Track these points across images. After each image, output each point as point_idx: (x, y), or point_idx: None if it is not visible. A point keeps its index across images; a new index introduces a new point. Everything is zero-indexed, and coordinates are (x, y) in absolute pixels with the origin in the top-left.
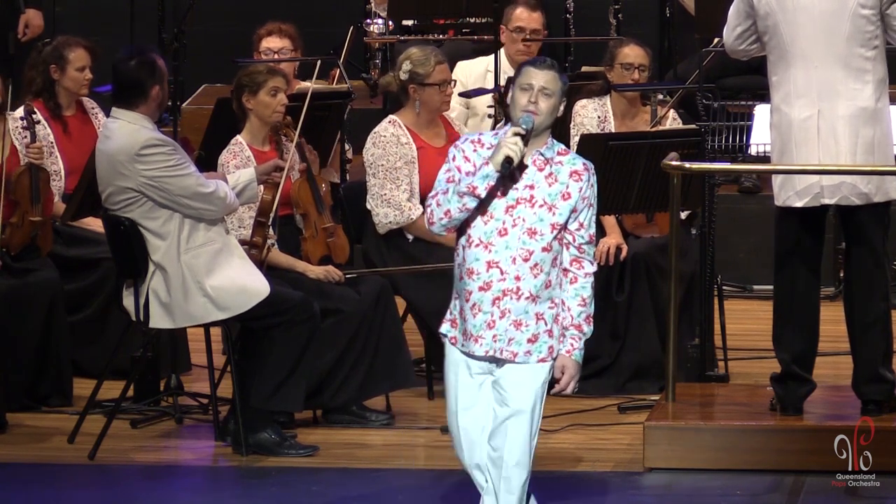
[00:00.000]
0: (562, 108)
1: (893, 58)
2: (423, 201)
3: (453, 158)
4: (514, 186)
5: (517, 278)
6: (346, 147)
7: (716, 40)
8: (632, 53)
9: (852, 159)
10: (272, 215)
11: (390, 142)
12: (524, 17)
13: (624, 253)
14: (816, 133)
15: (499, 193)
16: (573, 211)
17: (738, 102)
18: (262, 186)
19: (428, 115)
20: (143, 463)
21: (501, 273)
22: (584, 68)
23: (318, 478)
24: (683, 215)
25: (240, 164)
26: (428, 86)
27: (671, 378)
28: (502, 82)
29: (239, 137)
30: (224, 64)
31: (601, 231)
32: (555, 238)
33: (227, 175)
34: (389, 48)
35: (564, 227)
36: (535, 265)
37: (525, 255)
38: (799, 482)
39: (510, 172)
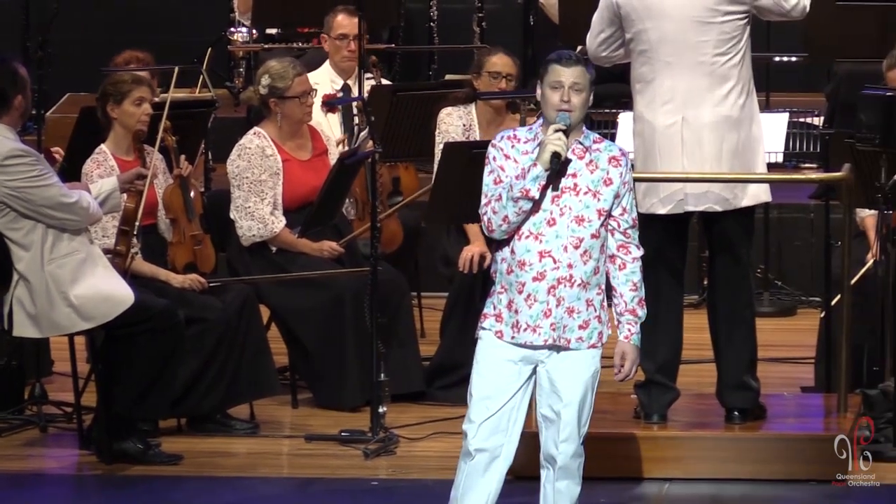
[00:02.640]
0: (591, 98)
1: (758, 64)
2: (286, 213)
3: (493, 159)
4: (561, 179)
5: (570, 266)
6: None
7: (579, 48)
8: (500, 62)
9: (717, 166)
10: (136, 224)
11: (255, 154)
12: (346, 24)
13: (487, 260)
14: (680, 140)
15: (549, 189)
16: (616, 196)
17: (602, 110)
18: (125, 195)
19: (290, 128)
20: (6, 471)
21: (554, 262)
22: (448, 76)
23: (182, 486)
24: None
25: (104, 173)
26: (288, 98)
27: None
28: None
29: (103, 146)
30: (89, 73)
31: (465, 239)
32: (602, 224)
33: (91, 184)
34: (254, 57)
35: (609, 213)
36: (585, 252)
37: (575, 242)
38: (661, 489)
39: (559, 168)
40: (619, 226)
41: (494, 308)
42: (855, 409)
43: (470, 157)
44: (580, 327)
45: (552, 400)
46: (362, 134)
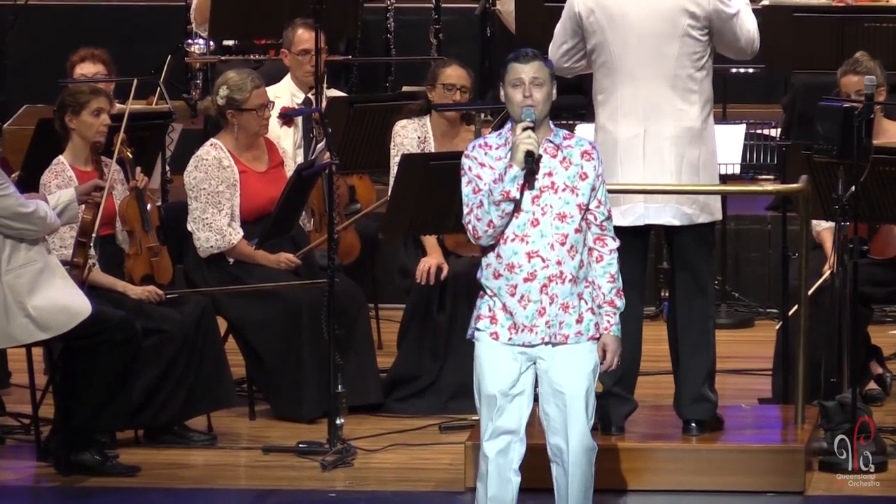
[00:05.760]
0: (554, 92)
1: (715, 76)
2: (243, 225)
3: (469, 169)
4: (536, 177)
5: (559, 263)
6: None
7: None
8: (454, 74)
9: (677, 179)
10: (93, 235)
11: (212, 165)
12: (308, 39)
13: (445, 272)
14: (642, 152)
15: (526, 188)
16: (592, 189)
17: (559, 122)
18: (82, 206)
19: (246, 140)
20: None
21: (543, 261)
22: (404, 88)
23: (140, 498)
24: None
25: (61, 184)
26: (245, 111)
27: None
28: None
29: (61, 157)
30: (46, 84)
31: (422, 251)
32: (582, 218)
33: (48, 195)
34: (210, 68)
35: (587, 206)
36: (572, 247)
37: (561, 239)
38: (618, 501)
39: (534, 165)
40: (595, 218)
41: (489, 310)
42: (812, 420)
43: (427, 169)
44: (577, 322)
45: (556, 396)
46: (319, 146)
